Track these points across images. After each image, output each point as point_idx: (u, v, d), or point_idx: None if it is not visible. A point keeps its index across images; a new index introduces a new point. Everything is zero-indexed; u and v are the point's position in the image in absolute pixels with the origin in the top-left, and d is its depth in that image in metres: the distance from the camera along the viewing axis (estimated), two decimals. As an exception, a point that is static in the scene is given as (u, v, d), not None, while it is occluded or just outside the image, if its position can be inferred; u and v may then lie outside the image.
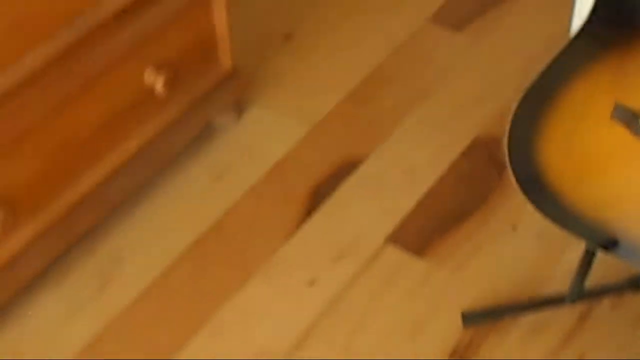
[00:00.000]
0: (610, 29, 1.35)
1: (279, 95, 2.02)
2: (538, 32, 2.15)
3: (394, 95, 2.02)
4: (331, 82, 2.05)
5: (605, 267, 1.68)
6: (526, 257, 1.73)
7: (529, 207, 1.48)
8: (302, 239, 1.77)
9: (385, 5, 2.21)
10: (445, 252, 1.75)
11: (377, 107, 2.00)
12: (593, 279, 1.64)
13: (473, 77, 2.06)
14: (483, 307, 1.66)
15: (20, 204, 1.58)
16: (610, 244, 1.51)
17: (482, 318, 1.65)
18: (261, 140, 1.93)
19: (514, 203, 1.80)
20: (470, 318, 1.64)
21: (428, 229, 1.78)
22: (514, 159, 1.54)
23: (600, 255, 1.60)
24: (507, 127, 1.51)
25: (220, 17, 1.78)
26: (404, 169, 1.88)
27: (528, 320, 1.64)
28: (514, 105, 1.49)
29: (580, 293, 1.60)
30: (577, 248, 1.70)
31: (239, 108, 1.96)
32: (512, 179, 1.56)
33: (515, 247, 1.75)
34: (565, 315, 1.64)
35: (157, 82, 1.68)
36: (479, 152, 1.91)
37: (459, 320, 1.64)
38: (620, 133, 1.41)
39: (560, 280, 1.70)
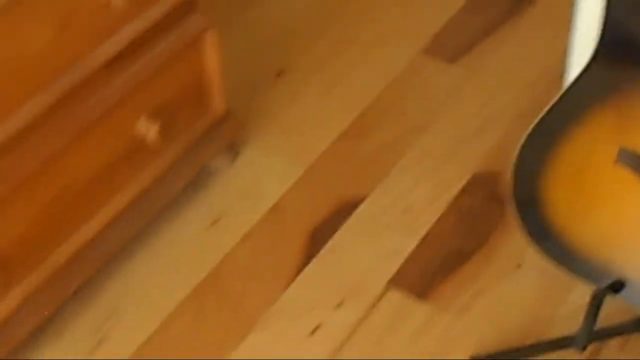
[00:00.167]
0: (614, 71, 1.32)
1: (273, 134, 1.98)
2: (533, 62, 2.13)
3: (390, 131, 1.99)
4: (325, 119, 2.01)
5: (609, 306, 1.65)
6: (531, 297, 1.70)
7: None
8: (303, 285, 1.73)
9: (376, 39, 2.18)
10: (448, 294, 1.72)
11: (373, 144, 1.97)
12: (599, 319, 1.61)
13: (469, 110, 2.03)
14: (490, 352, 1.63)
15: (14, 261, 1.54)
16: (617, 286, 1.49)
17: (490, 363, 1.62)
18: (257, 182, 1.90)
19: (517, 240, 1.77)
20: (478, 363, 1.61)
21: (430, 271, 1.75)
22: (518, 201, 1.52)
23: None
24: (511, 168, 1.49)
25: (212, 61, 1.75)
26: (403, 208, 1.85)
27: (536, 363, 1.61)
28: (517, 146, 1.47)
29: (589, 337, 1.57)
30: (582, 286, 1.67)
31: (233, 150, 1.93)
32: (517, 222, 1.53)
33: (519, 286, 1.72)
34: (574, 357, 1.61)
35: (151, 130, 1.65)
36: (479, 188, 1.88)
37: (465, 366, 1.61)
38: (626, 175, 1.39)
39: (567, 320, 1.67)
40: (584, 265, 1.51)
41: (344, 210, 1.85)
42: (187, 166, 1.79)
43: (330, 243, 1.79)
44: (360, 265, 1.76)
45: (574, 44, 1.67)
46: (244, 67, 2.10)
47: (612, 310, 1.64)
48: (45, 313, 1.62)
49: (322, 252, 1.78)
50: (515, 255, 1.76)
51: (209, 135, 1.82)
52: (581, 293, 1.67)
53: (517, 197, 1.51)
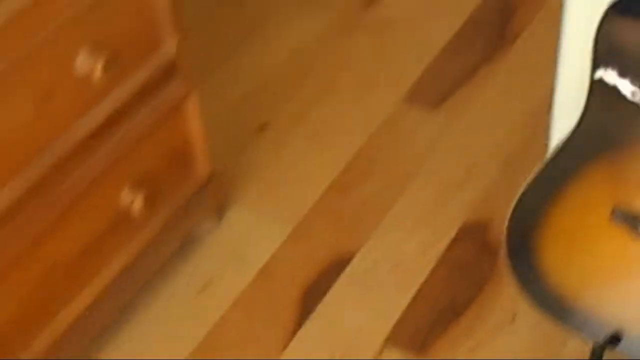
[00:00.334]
0: (604, 130, 1.32)
1: (259, 192, 1.96)
2: (515, 105, 2.12)
3: (376, 183, 1.97)
4: (311, 173, 1.99)
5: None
6: (527, 350, 1.69)
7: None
8: (298, 349, 1.71)
9: (356, 88, 2.16)
10: (445, 350, 1.70)
11: (360, 197, 1.95)
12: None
13: (454, 157, 2.01)
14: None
15: (3, 341, 1.51)
16: (616, 339, 1.49)
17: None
18: (245, 243, 1.87)
19: (511, 291, 1.75)
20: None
21: (426, 327, 1.73)
22: (513, 256, 1.51)
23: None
24: (506, 225, 1.48)
25: (195, 125, 1.73)
26: (395, 263, 1.83)
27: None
28: (512, 204, 1.46)
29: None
30: (578, 339, 1.66)
31: (219, 211, 1.90)
32: (511, 275, 1.53)
33: (515, 339, 1.71)
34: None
35: (135, 201, 1.62)
36: (469, 238, 1.86)
37: None
38: (620, 231, 1.38)
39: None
40: (580, 318, 1.50)
41: (335, 267, 1.83)
42: (174, 233, 1.76)
43: (323, 303, 1.77)
44: (355, 324, 1.74)
45: (559, 83, 1.65)
46: (224, 123, 2.07)
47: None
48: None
49: (316, 313, 1.76)
50: (509, 305, 1.75)
51: (194, 200, 1.79)
52: (576, 346, 1.65)
53: (511, 253, 1.51)
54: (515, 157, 2.01)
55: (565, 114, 1.54)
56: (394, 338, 1.71)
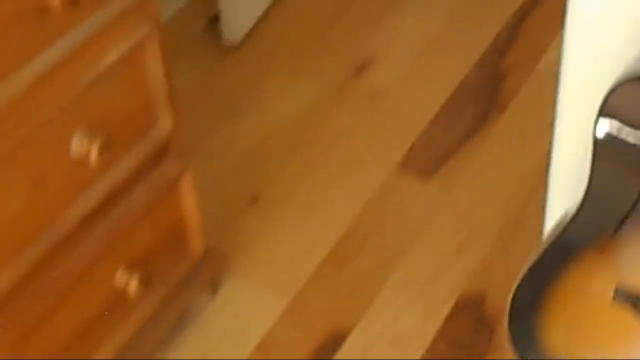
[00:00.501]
0: (603, 217, 1.31)
1: (253, 266, 1.94)
2: (508, 172, 2.12)
3: (371, 256, 1.96)
4: (305, 246, 1.98)
5: None
6: None
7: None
8: None
9: (349, 157, 2.16)
10: None
11: (355, 271, 1.93)
12: None
13: (449, 227, 2.00)
14: None
15: None
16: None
17: None
18: (239, 320, 1.85)
19: (510, 365, 1.74)
20: None
21: (425, 404, 1.71)
22: (515, 335, 1.50)
23: None
24: (507, 308, 1.47)
25: (189, 202, 1.72)
26: (391, 339, 1.81)
27: None
28: (513, 287, 1.45)
29: None
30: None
31: (214, 285, 1.88)
32: (514, 355, 1.51)
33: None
34: None
35: (130, 283, 1.60)
36: (466, 312, 1.85)
37: None
38: (624, 312, 1.37)
39: None
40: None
41: (331, 344, 1.81)
42: (169, 311, 1.74)
43: (320, 382, 1.76)
44: (353, 402, 1.72)
45: (556, 148, 1.64)
46: (216, 196, 2.06)
47: None
48: None
49: (313, 392, 1.74)
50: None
51: (188, 278, 1.77)
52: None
53: (513, 331, 1.49)
54: (510, 225, 2.00)
55: (563, 177, 1.54)
56: (392, 417, 1.70)
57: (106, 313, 1.59)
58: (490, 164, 2.14)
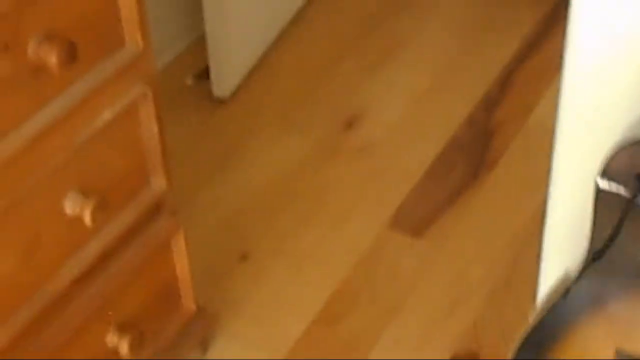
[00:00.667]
0: (603, 283, 1.31)
1: (243, 324, 1.92)
2: (500, 229, 2.11)
3: (361, 315, 1.94)
4: (295, 304, 1.96)
5: None
6: None
7: None
8: None
9: (339, 213, 2.14)
10: None
11: (346, 330, 1.91)
12: None
13: (440, 286, 1.99)
14: None
15: None
16: None
17: None
18: (230, 381, 1.83)
19: None
20: None
21: None
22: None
23: None
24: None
25: (181, 261, 1.70)
26: (384, 402, 1.79)
27: None
28: (514, 348, 1.44)
29: None
30: None
31: (204, 343, 1.86)
32: None
33: None
34: None
35: (122, 344, 1.58)
36: (459, 373, 1.83)
37: None
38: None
39: None
40: None
41: (322, 408, 1.79)
42: (160, 372, 1.72)
43: None
44: None
45: (551, 203, 1.63)
46: (205, 253, 2.04)
47: None
48: None
49: None
50: None
51: (180, 336, 1.75)
52: None
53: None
54: (501, 286, 1.99)
55: (559, 232, 1.54)
56: None
57: (97, 374, 1.57)
58: (481, 222, 2.13)
